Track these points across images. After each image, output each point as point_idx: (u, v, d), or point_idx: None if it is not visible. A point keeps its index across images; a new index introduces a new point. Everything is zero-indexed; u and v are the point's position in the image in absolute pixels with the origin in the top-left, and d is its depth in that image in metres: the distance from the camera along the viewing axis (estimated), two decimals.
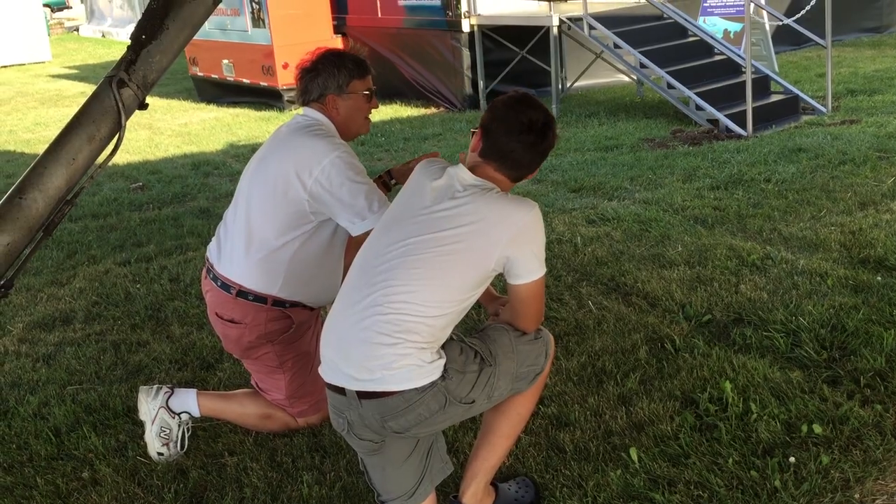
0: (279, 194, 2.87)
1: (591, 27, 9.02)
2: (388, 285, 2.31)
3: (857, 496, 2.64)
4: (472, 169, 2.45)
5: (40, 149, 10.79)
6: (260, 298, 2.97)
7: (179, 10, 1.94)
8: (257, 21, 11.62)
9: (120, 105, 1.85)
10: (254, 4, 11.55)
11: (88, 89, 15.66)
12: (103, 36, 25.69)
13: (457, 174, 2.43)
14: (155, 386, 3.16)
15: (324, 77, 2.98)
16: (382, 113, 10.56)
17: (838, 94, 9.00)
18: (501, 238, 2.32)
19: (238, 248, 2.98)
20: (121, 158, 9.15)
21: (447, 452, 2.89)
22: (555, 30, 9.24)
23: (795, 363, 3.45)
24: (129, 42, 1.97)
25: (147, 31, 1.88)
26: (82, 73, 18.20)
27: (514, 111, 2.44)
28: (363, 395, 2.31)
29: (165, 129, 10.95)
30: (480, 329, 2.58)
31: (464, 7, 9.98)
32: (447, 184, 2.42)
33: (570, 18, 9.23)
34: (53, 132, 8.86)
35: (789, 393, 3.19)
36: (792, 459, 2.80)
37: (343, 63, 3.01)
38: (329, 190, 2.80)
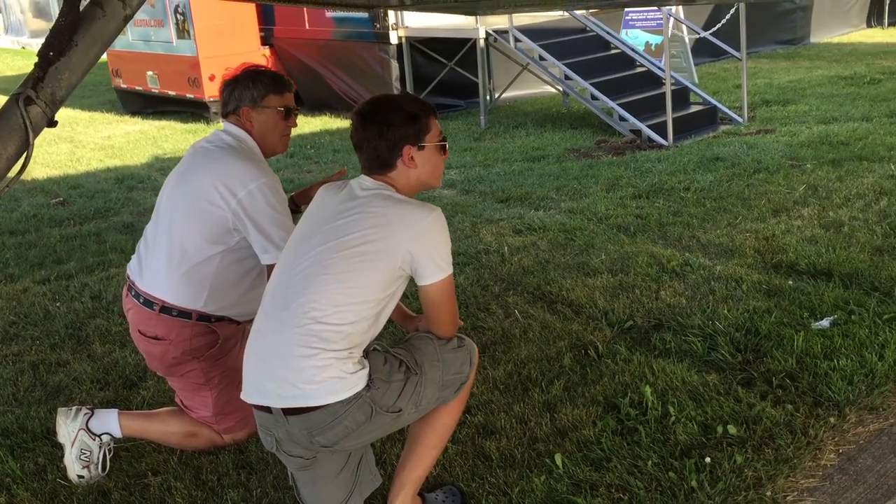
0: (202, 210, 2.85)
1: (517, 40, 9.16)
2: (300, 296, 2.33)
3: (769, 493, 2.74)
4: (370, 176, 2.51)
5: None
6: (184, 314, 2.94)
7: (89, 26, 1.92)
8: (182, 32, 11.46)
9: (27, 123, 1.83)
10: (178, 15, 11.39)
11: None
12: (23, 48, 25.00)
13: (358, 183, 2.50)
14: (74, 407, 3.10)
15: (240, 89, 2.99)
16: (312, 125, 10.52)
17: (754, 105, 9.32)
18: (405, 237, 2.36)
19: (160, 264, 2.95)
20: (41, 173, 8.92)
21: (377, 465, 2.92)
22: (482, 42, 9.35)
23: (712, 366, 3.56)
24: (37, 58, 1.95)
25: (55, 48, 1.86)
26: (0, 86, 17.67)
27: (353, 115, 2.51)
28: (288, 412, 2.31)
29: (88, 143, 10.70)
30: (405, 340, 2.61)
31: (391, 19, 10.03)
32: (348, 193, 2.48)
33: (496, 31, 9.36)
34: None
35: (706, 395, 3.30)
36: (708, 460, 2.89)
37: (260, 77, 3.01)
38: (249, 215, 2.81)
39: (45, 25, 24.36)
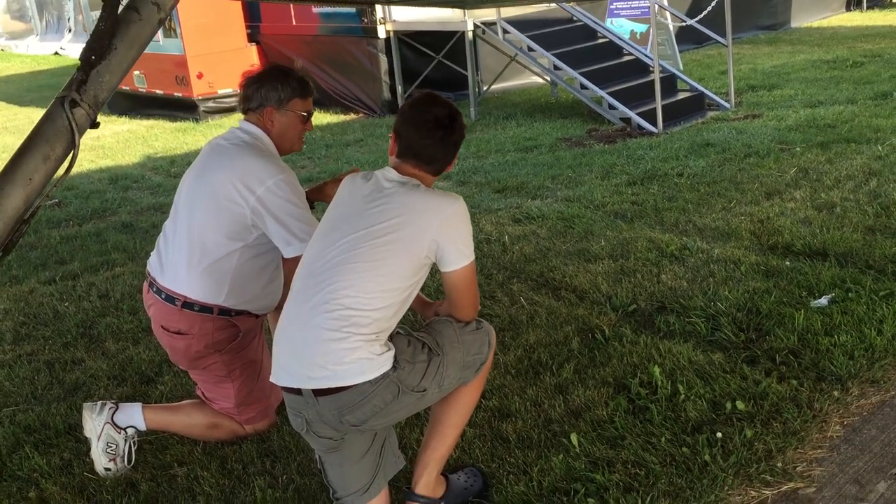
0: (222, 207, 2.92)
1: (505, 31, 9.24)
2: (332, 283, 2.41)
3: (779, 464, 2.84)
4: (396, 168, 2.60)
5: None
6: (206, 308, 3.01)
7: (126, 30, 1.99)
8: (168, 31, 11.46)
9: (73, 125, 1.90)
10: None
11: None
12: (2, 50, 24.82)
13: (383, 174, 2.59)
14: (99, 402, 3.16)
15: (267, 89, 3.05)
16: None
17: (740, 90, 9.45)
18: (430, 226, 2.47)
19: (181, 260, 3.01)
20: None
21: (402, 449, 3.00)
22: (469, 34, 9.42)
23: (716, 346, 3.66)
24: (79, 62, 2.01)
25: (96, 52, 1.93)
26: None
27: (420, 111, 2.60)
28: (319, 393, 2.39)
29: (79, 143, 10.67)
30: (425, 324, 2.70)
31: (379, 13, 10.08)
32: (375, 184, 2.57)
33: (484, 23, 9.42)
34: None
35: (713, 373, 3.40)
36: (719, 435, 2.99)
37: (288, 80, 3.08)
38: (270, 210, 2.88)
39: (23, 27, 24.21)
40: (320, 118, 10.75)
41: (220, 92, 11.45)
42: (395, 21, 10.12)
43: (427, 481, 2.73)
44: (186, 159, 8.76)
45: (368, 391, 2.38)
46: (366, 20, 10.26)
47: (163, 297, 3.05)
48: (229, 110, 11.56)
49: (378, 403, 2.41)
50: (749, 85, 9.72)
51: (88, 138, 10.98)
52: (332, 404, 2.39)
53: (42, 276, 5.42)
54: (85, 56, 1.94)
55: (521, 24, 9.24)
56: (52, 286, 5.20)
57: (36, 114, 13.47)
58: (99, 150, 10.11)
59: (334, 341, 2.36)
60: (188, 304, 3.00)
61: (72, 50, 20.86)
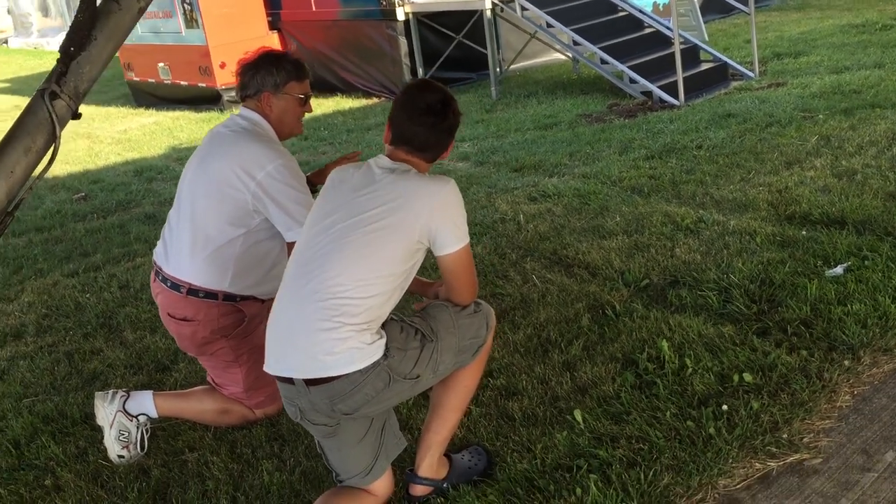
0: (223, 193, 2.95)
1: (523, 8, 9.15)
2: (322, 271, 2.42)
3: (785, 436, 2.81)
4: (389, 156, 2.60)
5: None
6: (210, 294, 3.05)
7: (106, 20, 2.01)
8: (190, 22, 11.55)
9: (54, 116, 1.92)
10: (185, 5, 11.48)
11: (22, 102, 15.38)
12: (35, 48, 25.21)
13: (375, 162, 2.59)
14: (111, 391, 3.22)
15: (262, 74, 3.06)
16: (324, 106, 10.59)
17: (765, 59, 9.27)
18: (423, 210, 2.46)
19: (185, 248, 3.05)
20: (61, 169, 9.08)
21: (401, 429, 3.02)
22: (488, 13, 9.35)
23: (728, 318, 3.62)
24: (58, 53, 2.04)
25: (75, 43, 1.95)
26: (15, 87, 17.89)
27: (412, 97, 2.59)
28: (310, 383, 2.41)
29: (105, 137, 10.85)
30: (421, 309, 2.70)
31: None
32: (366, 172, 2.57)
33: (502, 1, 9.34)
34: None
35: (722, 346, 3.36)
36: (725, 407, 2.96)
37: (282, 63, 3.09)
38: (270, 195, 2.90)
39: (58, 23, 24.56)
40: (342, 103, 10.77)
41: None
42: (413, 2, 10.07)
43: (430, 463, 2.75)
44: None
45: (359, 380, 2.39)
46: (384, 3, 10.23)
47: (168, 284, 3.09)
48: None
49: (369, 392, 2.41)
50: (775, 53, 9.53)
51: (115, 132, 11.14)
52: (324, 393, 2.40)
53: (66, 269, 5.52)
54: (64, 47, 1.97)
55: (539, 0, 9.15)
56: (75, 278, 5.29)
57: None
58: (125, 143, 10.25)
59: (324, 331, 2.37)
60: (193, 291, 3.04)
61: None
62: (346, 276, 2.40)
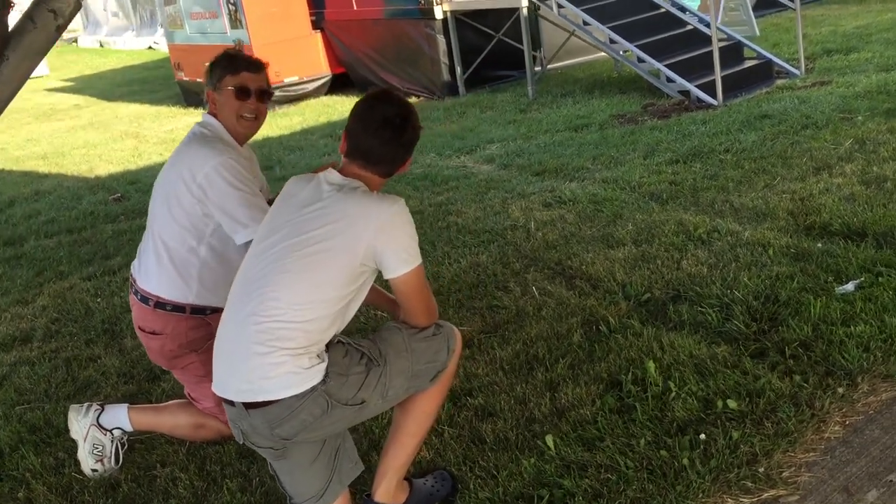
0: (174, 203, 2.91)
1: (559, 6, 8.98)
2: (262, 293, 2.35)
3: (762, 470, 2.65)
4: (342, 170, 2.50)
5: (29, 165, 10.73)
6: (178, 308, 3.01)
7: (21, 39, 1.98)
8: (235, 22, 11.67)
9: None
10: (230, 5, 11.59)
11: (82, 101, 15.82)
12: (101, 45, 25.88)
13: (325, 177, 2.49)
14: (85, 404, 3.23)
15: (207, 77, 3.02)
16: None
17: (814, 56, 8.91)
18: (366, 231, 2.36)
19: (151, 261, 3.02)
20: (104, 170, 9.26)
21: (372, 449, 2.95)
22: (524, 11, 9.19)
23: (725, 337, 3.45)
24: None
25: None
26: (77, 86, 18.38)
27: (370, 109, 2.49)
28: (249, 406, 2.35)
29: (151, 137, 11.04)
30: (376, 331, 2.61)
31: None
32: (315, 187, 2.48)
33: None
34: (44, 147, 9.02)
35: (712, 368, 3.20)
36: (703, 436, 2.81)
37: (217, 60, 3.02)
38: (210, 197, 2.83)
39: (125, 22, 25.16)
40: None
41: (287, 80, 11.59)
42: (451, 1, 9.98)
43: (386, 489, 2.67)
44: (254, 149, 8.87)
45: (295, 405, 2.31)
46: (423, 1, 10.16)
47: (139, 297, 3.07)
48: (296, 99, 11.70)
49: (306, 418, 2.34)
50: (825, 49, 9.15)
51: (162, 132, 11.32)
52: (262, 417, 2.34)
53: (85, 272, 5.60)
54: None
55: None
56: (91, 282, 5.36)
57: (122, 109, 13.99)
58: (170, 143, 10.39)
59: (260, 355, 2.31)
60: (160, 304, 3.01)
61: (164, 44, 21.57)
62: (284, 299, 2.33)
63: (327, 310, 2.35)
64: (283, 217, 2.49)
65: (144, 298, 3.05)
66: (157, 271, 3.00)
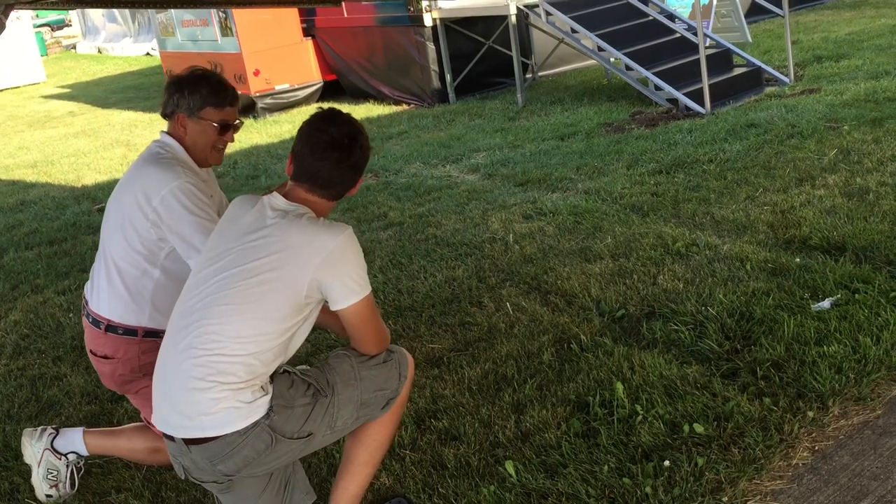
0: (127, 225, 2.83)
1: (548, 14, 8.91)
2: (201, 325, 2.27)
3: (725, 499, 2.57)
4: (287, 193, 2.41)
5: (18, 174, 10.63)
6: (130, 331, 2.93)
7: None
8: (225, 29, 11.61)
9: None
10: (220, 13, 11.53)
11: (77, 109, 15.74)
12: (99, 52, 25.84)
13: (269, 201, 2.40)
14: (39, 428, 3.15)
15: (178, 95, 2.89)
16: (356, 113, 10.41)
17: (804, 62, 8.84)
18: (310, 263, 2.27)
19: (102, 283, 2.95)
20: (91, 179, 9.19)
21: (332, 475, 2.87)
22: (513, 18, 9.13)
23: (697, 356, 3.37)
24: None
25: None
26: (73, 92, 18.31)
27: (316, 130, 2.40)
28: (189, 442, 2.27)
29: (141, 146, 10.95)
30: (323, 359, 2.53)
31: (424, 1, 9.90)
32: (259, 212, 2.38)
33: (527, 6, 9.12)
34: (34, 156, 8.91)
35: (681, 390, 3.12)
36: (667, 463, 2.74)
37: (200, 86, 2.91)
38: (165, 222, 2.75)
39: (123, 28, 25.14)
40: (372, 109, 10.67)
41: (278, 88, 11.53)
42: (440, 8, 9.91)
43: None
44: (242, 158, 8.82)
45: (237, 442, 2.23)
46: (412, 9, 10.10)
47: (90, 320, 3.00)
48: (287, 106, 11.63)
49: (249, 454, 2.25)
50: (815, 56, 9.08)
51: (151, 140, 11.23)
52: (203, 453, 2.26)
53: (60, 286, 5.53)
54: None
55: (564, 5, 8.89)
56: (65, 296, 5.29)
57: (115, 116, 13.92)
58: None
59: (199, 391, 2.22)
60: (112, 328, 2.93)
61: None
62: (224, 334, 2.24)
63: (270, 343, 2.27)
64: (226, 244, 2.39)
65: (96, 321, 2.97)
66: (108, 294, 2.93)
